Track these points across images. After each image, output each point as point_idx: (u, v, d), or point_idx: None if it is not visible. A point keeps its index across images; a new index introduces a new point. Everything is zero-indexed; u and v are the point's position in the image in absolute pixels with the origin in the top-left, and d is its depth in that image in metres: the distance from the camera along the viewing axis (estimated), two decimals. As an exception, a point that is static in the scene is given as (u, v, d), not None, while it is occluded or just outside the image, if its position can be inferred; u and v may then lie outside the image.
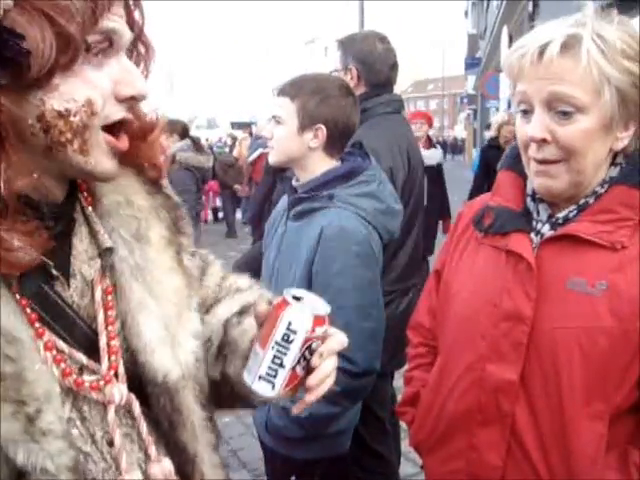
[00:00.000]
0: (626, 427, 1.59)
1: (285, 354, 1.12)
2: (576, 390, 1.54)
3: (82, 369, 1.08)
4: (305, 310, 1.13)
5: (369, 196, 2.47)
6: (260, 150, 10.94)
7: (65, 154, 0.98)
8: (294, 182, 2.58)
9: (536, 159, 1.59)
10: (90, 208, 1.14)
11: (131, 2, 1.03)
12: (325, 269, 2.35)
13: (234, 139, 17.05)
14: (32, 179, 0.98)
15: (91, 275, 1.11)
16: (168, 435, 1.18)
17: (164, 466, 1.14)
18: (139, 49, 1.10)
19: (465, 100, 50.09)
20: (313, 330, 1.13)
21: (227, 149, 16.67)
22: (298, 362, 1.14)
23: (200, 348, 1.25)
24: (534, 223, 1.68)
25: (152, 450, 1.13)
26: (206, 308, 1.39)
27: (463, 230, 1.86)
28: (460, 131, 71.66)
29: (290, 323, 1.12)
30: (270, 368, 1.13)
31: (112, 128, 1.03)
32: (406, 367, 2.07)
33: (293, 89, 2.49)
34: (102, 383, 1.08)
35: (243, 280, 1.49)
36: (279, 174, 2.73)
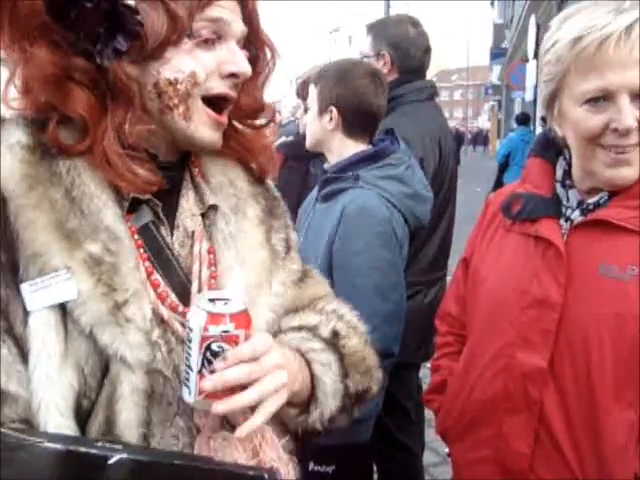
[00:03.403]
0: (658, 416, 1.57)
1: (190, 355, 1.08)
2: (606, 377, 1.53)
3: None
4: (198, 307, 1.09)
5: (395, 179, 2.48)
6: (283, 138, 10.97)
7: (172, 117, 1.19)
8: (325, 165, 2.64)
9: (621, 145, 1.53)
10: (200, 178, 1.33)
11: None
12: (344, 247, 2.36)
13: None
14: (150, 128, 1.18)
15: (192, 227, 1.28)
16: None
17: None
18: (264, 50, 1.32)
19: (490, 91, 49.74)
20: (206, 328, 1.06)
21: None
22: (203, 365, 1.07)
23: (274, 321, 1.34)
24: (563, 209, 1.67)
25: None
26: (286, 311, 1.41)
27: (491, 218, 1.85)
28: (484, 122, 71.24)
29: (188, 321, 1.09)
30: (186, 372, 1.10)
31: (216, 105, 1.23)
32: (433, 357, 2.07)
33: (318, 76, 2.58)
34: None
35: (338, 307, 1.46)
36: (313, 159, 2.80)
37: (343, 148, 2.55)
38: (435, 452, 4.32)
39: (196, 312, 1.08)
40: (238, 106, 1.29)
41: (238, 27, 1.21)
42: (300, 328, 1.34)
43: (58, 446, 1.03)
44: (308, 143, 2.67)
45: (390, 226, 2.42)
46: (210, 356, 1.06)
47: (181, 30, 1.14)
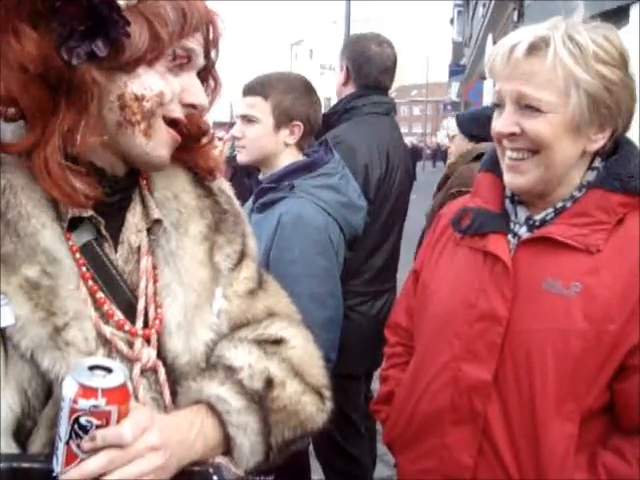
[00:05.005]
0: (596, 428, 1.60)
1: (61, 424, 1.01)
2: (548, 391, 1.56)
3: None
4: (71, 376, 1.02)
5: (330, 188, 2.53)
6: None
7: (132, 132, 1.17)
8: (260, 176, 2.64)
9: (510, 149, 1.62)
10: (147, 190, 1.31)
11: (211, 38, 1.25)
12: (281, 256, 2.38)
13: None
14: (102, 140, 1.16)
15: (136, 243, 1.27)
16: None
17: None
18: (210, 82, 1.33)
19: (449, 107, 50.23)
20: (76, 401, 0.99)
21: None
22: (71, 437, 1.00)
23: (213, 341, 1.32)
24: (512, 225, 1.70)
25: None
26: (235, 324, 1.38)
27: (442, 231, 1.87)
28: (443, 138, 71.84)
29: (62, 389, 1.02)
30: (57, 440, 1.03)
31: (169, 125, 1.22)
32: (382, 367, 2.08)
33: (265, 88, 2.55)
34: (131, 338, 1.20)
35: (288, 332, 1.42)
36: (247, 172, 2.80)
37: (287, 160, 2.57)
38: (387, 465, 4.32)
39: (69, 381, 1.01)
40: (189, 132, 1.29)
41: (201, 60, 1.24)
42: (232, 370, 1.28)
43: None
44: (250, 157, 2.60)
45: (326, 234, 2.46)
46: (78, 429, 1.00)
47: (159, 52, 1.15)
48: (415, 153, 43.18)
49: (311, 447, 3.27)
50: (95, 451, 1.01)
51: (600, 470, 1.55)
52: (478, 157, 4.11)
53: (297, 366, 1.36)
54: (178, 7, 1.15)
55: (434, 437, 1.72)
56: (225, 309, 1.35)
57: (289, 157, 2.58)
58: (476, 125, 4.35)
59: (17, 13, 1.07)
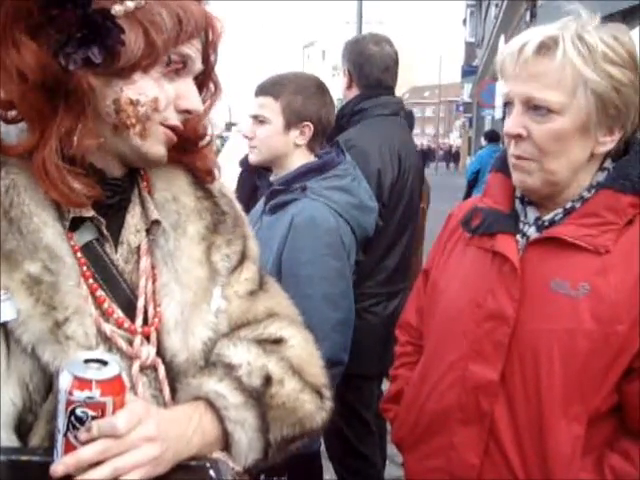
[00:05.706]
0: (604, 430, 1.60)
1: (58, 416, 1.03)
2: (555, 392, 1.56)
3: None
4: (66, 369, 1.03)
5: (342, 190, 2.53)
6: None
7: (128, 134, 1.19)
8: (271, 177, 2.64)
9: (513, 155, 1.62)
10: (146, 192, 1.33)
11: (210, 43, 1.27)
12: (294, 257, 2.39)
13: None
14: (99, 142, 1.18)
15: (136, 243, 1.29)
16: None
17: None
18: (210, 87, 1.35)
19: (461, 108, 50.19)
20: (71, 392, 1.01)
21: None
22: (69, 429, 1.02)
23: (211, 340, 1.32)
24: (521, 225, 1.70)
25: None
26: (235, 324, 1.39)
27: (452, 231, 1.88)
28: (455, 139, 71.79)
29: (58, 381, 1.04)
30: (55, 432, 1.04)
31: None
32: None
33: (275, 88, 2.56)
34: (131, 335, 1.22)
35: (288, 332, 1.42)
36: (258, 172, 2.81)
37: (299, 161, 2.57)
38: (398, 465, 4.31)
39: (64, 374, 1.03)
40: (180, 136, 1.30)
41: (198, 66, 1.26)
42: (231, 367, 1.29)
43: None
44: (260, 158, 2.61)
45: (338, 235, 2.47)
46: (75, 421, 1.02)
47: (154, 58, 1.17)
48: (426, 155, 43.10)
49: (323, 447, 3.27)
50: (92, 441, 1.02)
51: (606, 471, 1.55)
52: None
53: (296, 365, 1.36)
54: (174, 14, 1.17)
55: (441, 436, 1.72)
56: (225, 309, 1.35)
57: (300, 158, 2.58)
58: None
59: (15, 24, 1.09)
